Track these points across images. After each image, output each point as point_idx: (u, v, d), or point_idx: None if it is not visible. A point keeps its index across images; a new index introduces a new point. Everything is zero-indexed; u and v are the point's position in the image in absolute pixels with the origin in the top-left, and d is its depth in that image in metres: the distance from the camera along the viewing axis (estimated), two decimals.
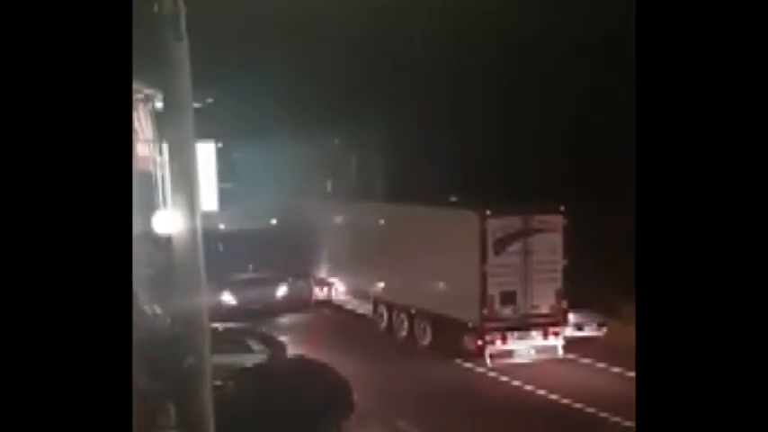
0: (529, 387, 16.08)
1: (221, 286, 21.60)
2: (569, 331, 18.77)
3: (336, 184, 32.30)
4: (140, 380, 10.75)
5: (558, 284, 17.94)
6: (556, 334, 17.94)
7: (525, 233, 17.69)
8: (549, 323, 17.88)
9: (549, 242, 17.86)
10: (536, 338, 17.78)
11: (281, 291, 23.63)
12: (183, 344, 7.02)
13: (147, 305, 11.67)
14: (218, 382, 10.07)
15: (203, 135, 10.89)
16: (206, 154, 14.54)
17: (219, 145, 18.84)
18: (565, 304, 18.06)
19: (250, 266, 23.49)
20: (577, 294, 19.25)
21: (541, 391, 15.77)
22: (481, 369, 17.25)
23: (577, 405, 14.98)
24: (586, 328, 18.81)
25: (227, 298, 22.05)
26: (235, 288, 22.21)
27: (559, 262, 17.91)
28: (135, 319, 11.53)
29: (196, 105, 7.58)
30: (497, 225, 17.50)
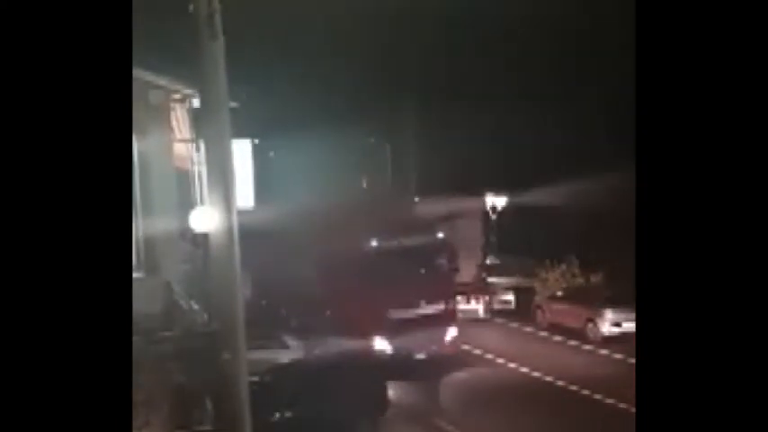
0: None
1: (373, 328, 16.14)
2: (606, 327, 19.08)
3: (371, 180, 32.34)
4: (177, 375, 10.91)
5: (479, 259, 22.69)
6: (477, 299, 21.70)
7: (449, 217, 21.41)
8: (471, 290, 21.59)
9: (471, 224, 22.46)
10: (460, 303, 20.71)
11: (452, 333, 17.31)
12: (220, 339, 7.09)
13: (184, 301, 11.81)
14: (255, 378, 10.16)
15: (239, 133, 11.00)
16: (242, 151, 14.68)
17: (256, 142, 18.96)
18: (484, 275, 22.66)
19: (411, 299, 16.95)
20: (617, 292, 19.41)
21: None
22: None
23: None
24: (624, 325, 18.79)
25: (382, 345, 16.15)
26: (391, 331, 16.25)
27: (479, 239, 22.78)
28: (172, 315, 11.72)
29: (232, 104, 7.65)
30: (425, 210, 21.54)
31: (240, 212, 7.17)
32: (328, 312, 16.91)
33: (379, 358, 15.61)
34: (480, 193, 22.48)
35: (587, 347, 18.56)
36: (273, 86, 26.36)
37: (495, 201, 25.89)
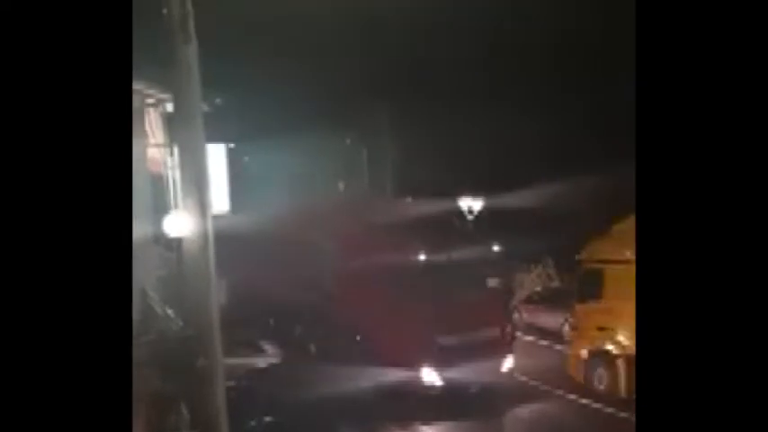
0: None
1: (420, 357, 13.66)
2: None
3: (348, 183, 32.33)
4: (153, 381, 10.81)
5: None
6: None
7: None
8: None
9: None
10: None
11: (508, 363, 14.65)
12: (195, 345, 7.05)
13: (159, 307, 11.70)
14: (232, 383, 10.10)
15: (214, 137, 10.94)
16: (217, 155, 14.57)
17: (231, 146, 18.74)
18: None
19: (462, 323, 14.03)
20: None
21: None
22: None
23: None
24: None
25: (430, 377, 13.65)
26: (440, 360, 13.60)
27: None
28: (147, 320, 11.62)
29: (206, 108, 7.61)
30: None
31: (215, 217, 7.14)
32: (358, 337, 14.53)
33: (428, 392, 13.32)
34: (457, 196, 21.98)
35: None
36: (248, 90, 26.27)
37: (472, 203, 26.03)
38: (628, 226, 13.68)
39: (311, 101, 28.84)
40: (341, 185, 32.36)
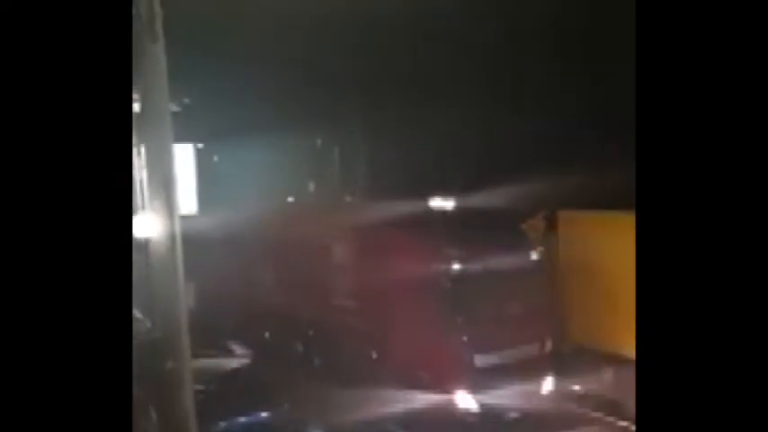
0: None
1: (457, 379, 12.16)
2: None
3: (319, 184, 32.25)
4: None
5: None
6: None
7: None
8: None
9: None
10: None
11: (549, 385, 13.01)
12: (163, 348, 7.00)
13: None
14: (201, 386, 10.02)
15: (182, 137, 10.84)
16: (185, 156, 14.43)
17: (200, 146, 18.52)
18: None
19: (499, 340, 12.45)
20: None
21: None
22: None
23: None
24: None
25: (467, 403, 12.02)
26: (478, 382, 12.10)
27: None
28: None
29: (174, 108, 7.55)
30: None
31: (183, 218, 7.08)
32: (375, 354, 13.06)
33: (464, 419, 11.81)
34: (428, 196, 21.65)
35: None
36: (217, 89, 26.09)
37: (445, 204, 25.96)
38: (531, 226, 15.64)
39: (281, 100, 28.69)
40: (311, 186, 32.26)
